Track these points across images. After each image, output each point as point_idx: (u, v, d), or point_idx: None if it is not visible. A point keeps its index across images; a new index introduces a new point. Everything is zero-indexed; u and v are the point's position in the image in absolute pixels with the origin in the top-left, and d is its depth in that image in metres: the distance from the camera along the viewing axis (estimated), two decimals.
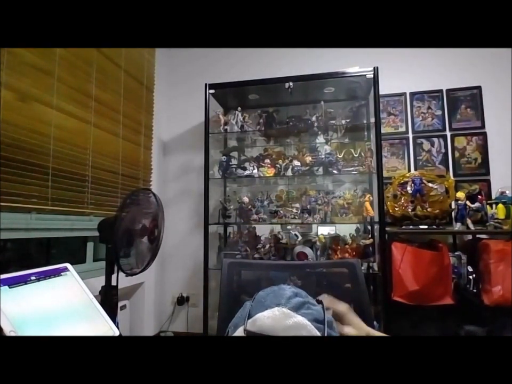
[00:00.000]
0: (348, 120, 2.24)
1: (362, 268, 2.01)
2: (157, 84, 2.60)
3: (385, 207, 2.03)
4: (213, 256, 2.31)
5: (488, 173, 2.25)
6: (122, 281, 1.23)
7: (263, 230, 2.34)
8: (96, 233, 1.21)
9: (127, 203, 1.20)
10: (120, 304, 1.82)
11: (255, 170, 2.27)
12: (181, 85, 2.82)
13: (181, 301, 2.58)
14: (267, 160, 2.29)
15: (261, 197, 2.30)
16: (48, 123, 1.57)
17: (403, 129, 2.41)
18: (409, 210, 2.11)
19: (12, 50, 1.38)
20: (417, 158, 2.36)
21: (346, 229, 2.23)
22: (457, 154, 2.31)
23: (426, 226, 2.05)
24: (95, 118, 1.87)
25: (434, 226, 2.06)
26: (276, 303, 0.50)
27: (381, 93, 2.07)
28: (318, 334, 0.47)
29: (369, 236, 2.15)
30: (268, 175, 2.26)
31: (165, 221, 1.33)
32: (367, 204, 2.06)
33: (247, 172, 2.29)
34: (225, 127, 2.35)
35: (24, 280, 0.74)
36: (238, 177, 2.34)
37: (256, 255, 2.18)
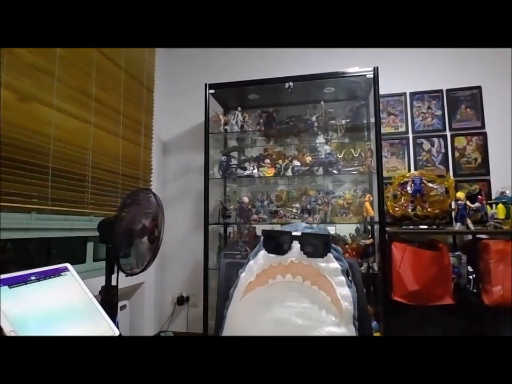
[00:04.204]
0: (347, 120, 2.24)
1: (363, 267, 2.01)
2: (157, 84, 2.60)
3: (385, 207, 2.03)
4: (213, 256, 2.31)
5: (488, 173, 2.25)
6: (122, 281, 1.23)
7: None
8: (96, 233, 1.21)
9: (127, 203, 1.20)
10: (120, 304, 1.82)
11: (255, 170, 2.27)
12: (181, 84, 2.82)
13: (181, 301, 2.57)
14: (267, 160, 2.29)
15: (261, 197, 2.29)
16: (48, 123, 1.56)
17: (403, 129, 2.41)
18: (409, 210, 2.10)
19: (12, 50, 1.38)
20: (417, 158, 2.36)
21: (346, 229, 2.23)
22: (457, 154, 2.31)
23: (426, 226, 2.05)
24: (95, 118, 1.87)
25: (434, 226, 2.05)
26: (294, 230, 0.66)
27: (381, 93, 2.07)
28: None
29: (369, 236, 2.15)
30: (268, 175, 2.26)
31: (165, 221, 1.32)
32: (367, 204, 2.06)
33: (247, 172, 2.29)
34: (225, 127, 2.35)
35: (24, 280, 0.74)
36: (238, 177, 2.34)
37: None
